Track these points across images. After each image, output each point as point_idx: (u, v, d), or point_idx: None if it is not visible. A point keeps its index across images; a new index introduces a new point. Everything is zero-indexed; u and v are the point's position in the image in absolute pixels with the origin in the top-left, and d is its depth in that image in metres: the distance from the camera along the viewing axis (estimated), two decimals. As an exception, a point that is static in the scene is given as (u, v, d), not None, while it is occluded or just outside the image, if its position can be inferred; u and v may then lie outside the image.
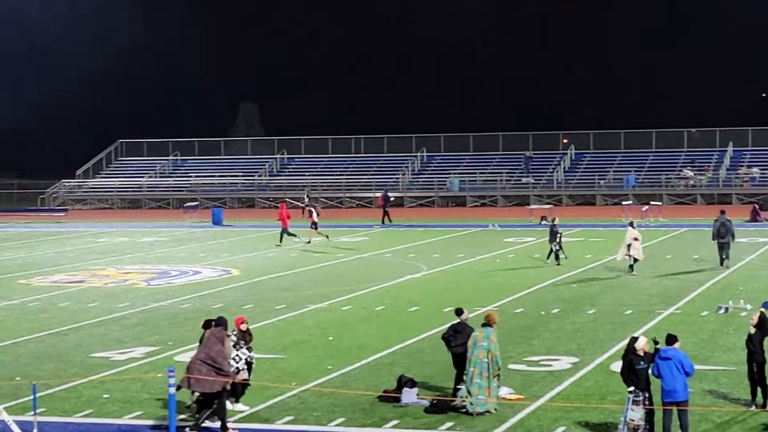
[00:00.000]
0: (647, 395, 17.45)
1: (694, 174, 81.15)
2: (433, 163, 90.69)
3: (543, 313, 29.82)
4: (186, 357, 24.14)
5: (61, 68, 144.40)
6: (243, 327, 20.00)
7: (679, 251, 45.16)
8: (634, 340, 17.72)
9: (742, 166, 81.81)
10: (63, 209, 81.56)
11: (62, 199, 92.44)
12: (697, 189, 79.94)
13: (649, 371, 17.46)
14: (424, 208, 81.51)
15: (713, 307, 29.87)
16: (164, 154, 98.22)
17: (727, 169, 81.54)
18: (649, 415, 17.47)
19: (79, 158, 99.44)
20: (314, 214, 51.69)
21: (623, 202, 68.63)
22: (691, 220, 61.25)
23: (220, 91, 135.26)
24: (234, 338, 19.83)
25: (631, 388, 17.41)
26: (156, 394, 20.80)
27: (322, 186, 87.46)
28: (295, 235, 51.36)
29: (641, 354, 17.50)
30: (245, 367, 19.99)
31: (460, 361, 20.14)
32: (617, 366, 22.34)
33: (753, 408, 19.39)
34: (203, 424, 18.51)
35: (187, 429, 18.38)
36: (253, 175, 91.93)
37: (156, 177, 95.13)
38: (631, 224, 39.08)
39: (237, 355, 19.77)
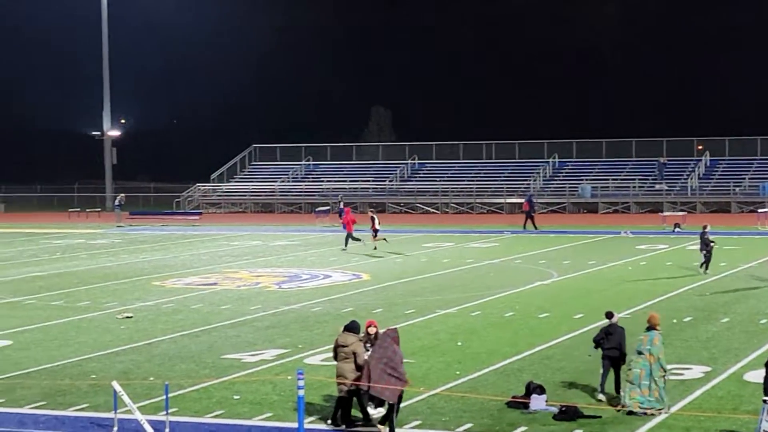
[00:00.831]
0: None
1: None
2: (564, 169, 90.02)
3: (675, 321, 29.35)
4: (315, 360, 24.39)
5: (197, 75, 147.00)
6: (371, 330, 20.07)
7: (817, 260, 44.11)
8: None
9: None
10: (198, 212, 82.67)
11: (197, 202, 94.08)
12: (837, 197, 78.13)
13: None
14: (556, 215, 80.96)
15: None
16: (297, 159, 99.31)
17: None
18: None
19: (214, 163, 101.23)
20: (376, 222, 51.84)
21: (759, 210, 67.26)
22: (830, 229, 59.81)
23: (351, 96, 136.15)
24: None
25: (766, 397, 17.04)
26: (286, 396, 20.97)
27: (453, 192, 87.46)
28: (360, 240, 51.59)
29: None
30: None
31: (615, 364, 20.43)
32: (751, 376, 21.96)
33: None
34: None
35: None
36: (384, 180, 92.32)
37: (289, 181, 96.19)
38: None
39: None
